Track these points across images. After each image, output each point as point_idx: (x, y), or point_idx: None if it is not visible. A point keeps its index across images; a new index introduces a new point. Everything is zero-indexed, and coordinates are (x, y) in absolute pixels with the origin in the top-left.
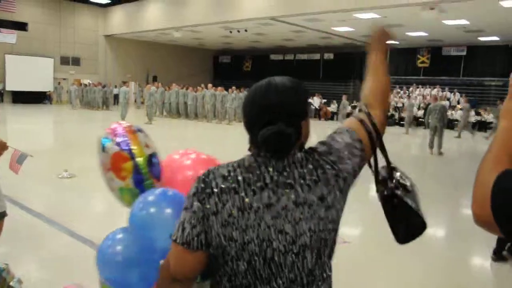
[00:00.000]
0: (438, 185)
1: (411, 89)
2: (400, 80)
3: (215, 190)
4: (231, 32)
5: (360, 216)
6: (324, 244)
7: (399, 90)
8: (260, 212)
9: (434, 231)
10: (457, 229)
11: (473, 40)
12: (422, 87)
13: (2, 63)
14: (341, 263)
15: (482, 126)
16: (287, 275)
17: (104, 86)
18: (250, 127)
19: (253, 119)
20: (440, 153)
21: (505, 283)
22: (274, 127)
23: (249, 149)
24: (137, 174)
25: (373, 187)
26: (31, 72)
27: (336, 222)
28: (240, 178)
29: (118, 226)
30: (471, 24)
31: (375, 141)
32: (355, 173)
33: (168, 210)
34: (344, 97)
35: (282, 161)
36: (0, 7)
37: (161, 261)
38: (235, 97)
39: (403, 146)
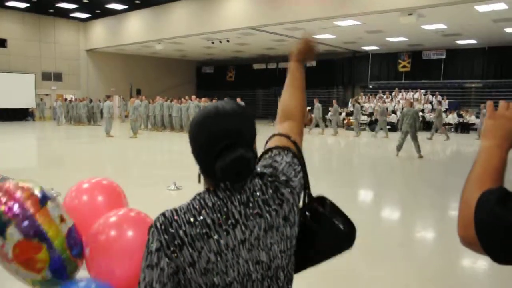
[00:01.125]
0: (422, 187)
1: (394, 93)
2: (382, 85)
3: (186, 239)
4: (213, 42)
5: None
6: (290, 260)
7: (382, 95)
8: (236, 249)
9: (423, 235)
10: (447, 232)
11: (451, 44)
12: (405, 91)
13: None
14: (332, 273)
15: (464, 127)
16: None
17: (90, 101)
18: (203, 155)
19: (206, 147)
20: (421, 157)
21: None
22: (235, 152)
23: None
24: (56, 262)
25: (360, 194)
26: (12, 89)
27: (296, 237)
28: (209, 220)
29: None
30: (448, 28)
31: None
32: (302, 188)
33: None
34: (334, 102)
35: (245, 192)
36: None
37: None
38: None
39: (386, 150)
